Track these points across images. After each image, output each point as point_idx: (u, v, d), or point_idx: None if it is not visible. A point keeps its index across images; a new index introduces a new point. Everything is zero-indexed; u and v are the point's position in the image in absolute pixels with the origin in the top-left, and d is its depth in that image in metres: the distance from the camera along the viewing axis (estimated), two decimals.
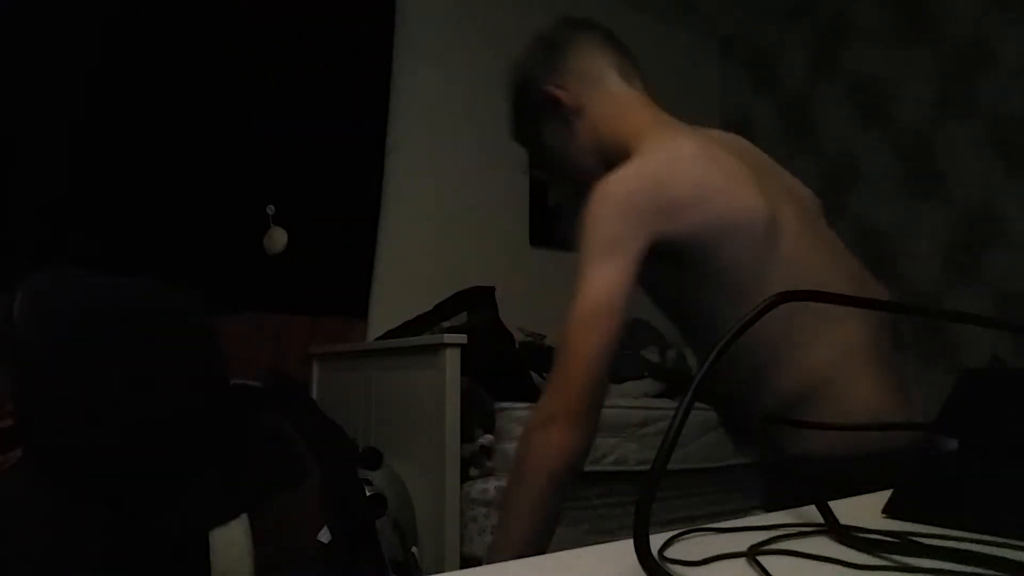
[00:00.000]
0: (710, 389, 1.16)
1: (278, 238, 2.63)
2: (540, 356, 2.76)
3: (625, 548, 0.44)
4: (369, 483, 1.81)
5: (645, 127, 1.10)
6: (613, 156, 1.11)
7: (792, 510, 0.57)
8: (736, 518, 0.58)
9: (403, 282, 2.97)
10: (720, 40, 4.26)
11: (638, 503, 0.40)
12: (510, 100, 1.23)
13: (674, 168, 1.00)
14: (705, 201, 0.98)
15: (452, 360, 2.02)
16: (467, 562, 2.01)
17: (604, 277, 0.93)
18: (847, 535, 0.46)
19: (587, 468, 2.29)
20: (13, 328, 1.02)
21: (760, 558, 0.42)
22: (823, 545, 0.46)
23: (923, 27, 3.41)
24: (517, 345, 2.73)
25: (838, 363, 1.00)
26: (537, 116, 1.19)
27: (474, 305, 2.66)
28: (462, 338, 2.06)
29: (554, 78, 1.17)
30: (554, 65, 1.18)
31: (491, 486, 2.15)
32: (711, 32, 4.21)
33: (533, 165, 1.24)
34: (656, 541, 0.46)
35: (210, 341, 1.37)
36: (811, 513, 0.54)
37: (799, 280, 1.00)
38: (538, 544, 0.90)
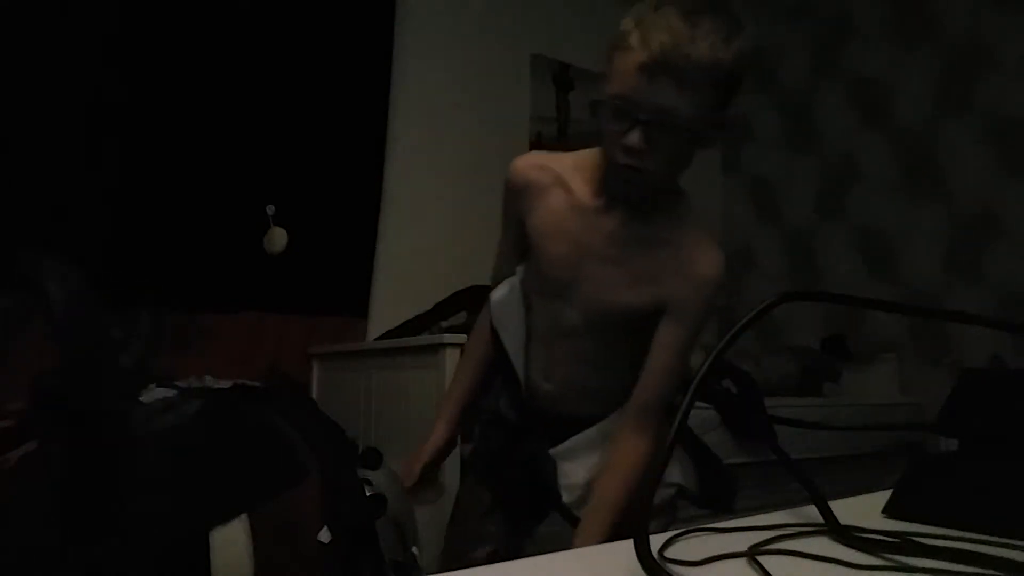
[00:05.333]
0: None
1: (278, 238, 2.62)
2: None
3: (625, 548, 0.44)
4: (369, 483, 1.81)
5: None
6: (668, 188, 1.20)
7: (792, 510, 0.57)
8: (736, 518, 0.58)
9: (403, 282, 2.97)
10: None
11: (638, 503, 0.40)
12: (723, 67, 1.05)
13: None
14: None
15: (452, 360, 2.02)
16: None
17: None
18: (847, 535, 0.46)
19: None
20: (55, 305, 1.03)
21: (760, 558, 0.42)
22: (823, 545, 0.46)
23: (923, 27, 3.40)
24: None
25: None
26: (723, 102, 1.09)
27: (474, 305, 2.66)
28: (462, 338, 2.05)
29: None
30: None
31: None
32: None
33: (657, 123, 1.06)
34: (656, 541, 0.46)
35: None
36: (811, 513, 0.54)
37: None
38: None
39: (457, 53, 3.24)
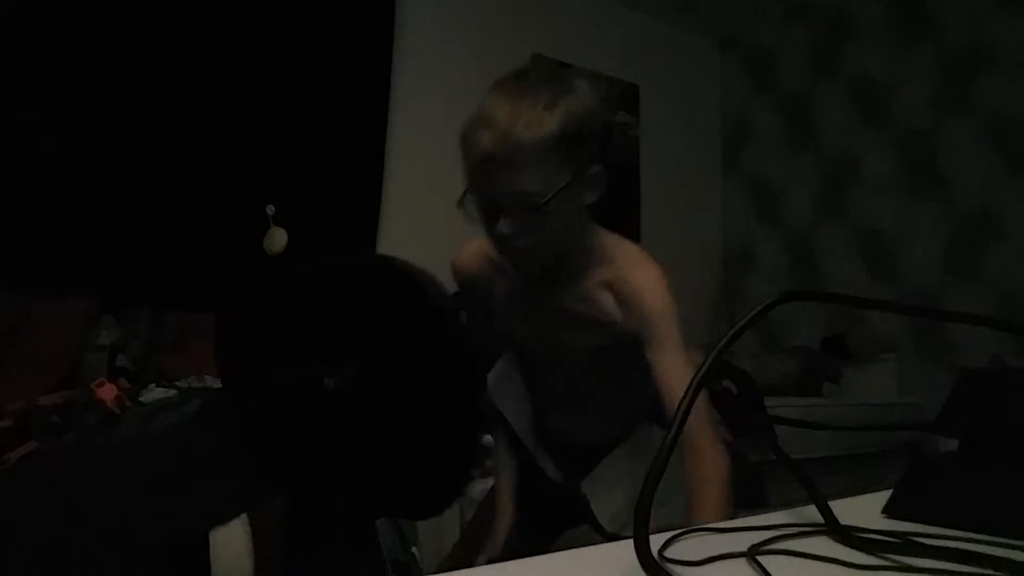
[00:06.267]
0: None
1: (278, 238, 2.62)
2: None
3: (625, 548, 0.44)
4: None
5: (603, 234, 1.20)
6: (571, 246, 1.16)
7: (792, 510, 0.57)
8: (736, 518, 0.58)
9: None
10: (720, 40, 4.26)
11: (638, 503, 0.40)
12: (576, 121, 1.08)
13: None
14: None
15: None
16: None
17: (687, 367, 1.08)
18: (847, 535, 0.46)
19: None
20: None
21: (760, 558, 0.42)
22: (823, 545, 0.46)
23: (923, 27, 3.40)
24: None
25: None
26: (589, 160, 1.10)
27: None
28: None
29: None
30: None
31: (491, 486, 2.15)
32: (711, 32, 4.20)
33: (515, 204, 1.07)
34: (656, 541, 0.46)
35: None
36: (811, 513, 0.54)
37: None
38: None
39: (457, 53, 3.24)
